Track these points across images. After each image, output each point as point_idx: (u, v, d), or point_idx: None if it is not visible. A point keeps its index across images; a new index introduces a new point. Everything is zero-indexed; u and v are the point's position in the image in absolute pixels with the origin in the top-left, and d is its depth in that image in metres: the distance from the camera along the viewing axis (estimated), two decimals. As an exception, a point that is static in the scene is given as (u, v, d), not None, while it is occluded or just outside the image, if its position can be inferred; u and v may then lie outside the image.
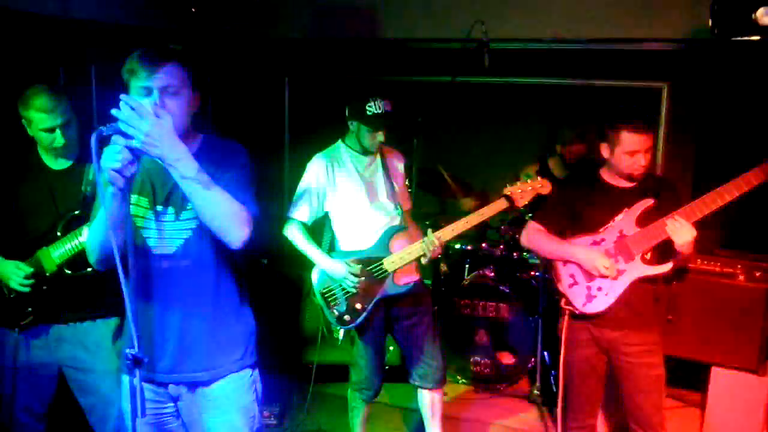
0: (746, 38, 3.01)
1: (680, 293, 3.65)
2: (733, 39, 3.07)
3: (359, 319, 3.22)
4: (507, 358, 4.32)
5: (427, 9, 4.57)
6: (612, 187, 2.91)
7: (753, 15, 2.91)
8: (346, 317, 3.22)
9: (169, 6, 4.29)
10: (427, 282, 4.41)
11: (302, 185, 3.24)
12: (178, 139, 1.87)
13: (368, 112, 3.12)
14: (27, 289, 2.68)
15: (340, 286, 3.20)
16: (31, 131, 2.68)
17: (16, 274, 2.67)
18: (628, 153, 2.77)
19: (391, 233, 3.24)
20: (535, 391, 4.19)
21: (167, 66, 2.00)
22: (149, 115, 1.79)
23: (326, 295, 3.25)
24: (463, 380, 4.42)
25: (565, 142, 4.55)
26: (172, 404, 2.28)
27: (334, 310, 3.24)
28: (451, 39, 4.04)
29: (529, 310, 4.24)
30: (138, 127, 1.78)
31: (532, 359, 4.22)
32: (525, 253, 4.49)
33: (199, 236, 2.09)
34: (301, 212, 3.21)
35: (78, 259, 2.68)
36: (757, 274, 3.57)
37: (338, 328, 3.44)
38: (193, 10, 4.11)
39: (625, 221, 2.86)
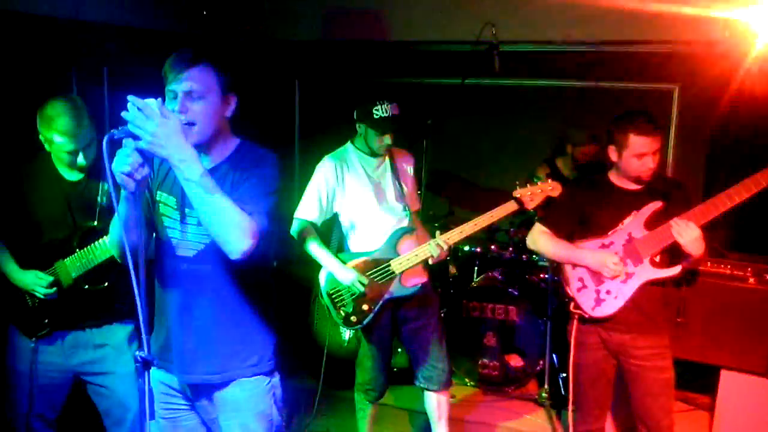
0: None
1: (690, 296, 3.62)
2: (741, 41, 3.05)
3: (366, 320, 3.23)
4: (515, 361, 4.31)
5: (437, 11, 4.58)
6: (620, 190, 2.90)
7: None
8: (353, 318, 3.23)
9: (180, 9, 4.32)
10: (435, 284, 4.42)
11: (311, 187, 3.25)
12: (185, 141, 1.85)
13: (375, 115, 3.13)
14: (54, 296, 2.68)
15: (348, 287, 3.21)
16: (49, 148, 2.63)
17: (39, 283, 2.67)
18: (636, 156, 2.76)
19: (399, 235, 3.25)
20: (543, 394, 4.18)
21: (194, 70, 1.99)
22: (155, 116, 1.79)
23: (333, 296, 3.26)
24: (471, 382, 4.42)
25: (576, 143, 4.54)
26: (189, 403, 2.29)
27: (341, 311, 3.25)
28: (461, 41, 4.05)
29: (537, 313, 4.23)
30: (144, 128, 1.77)
31: (541, 362, 4.21)
32: (534, 256, 4.48)
33: (217, 244, 2.04)
34: (310, 213, 3.23)
35: (94, 272, 2.68)
36: (767, 277, 3.55)
37: (345, 329, 3.45)
38: (204, 13, 4.13)
39: (633, 224, 2.85)
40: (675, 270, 2.82)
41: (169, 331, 2.20)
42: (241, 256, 1.93)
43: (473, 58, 3.65)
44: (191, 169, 1.86)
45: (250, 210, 1.97)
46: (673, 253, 2.83)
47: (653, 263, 2.84)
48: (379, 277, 3.21)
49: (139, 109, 1.78)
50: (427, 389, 3.40)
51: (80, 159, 2.62)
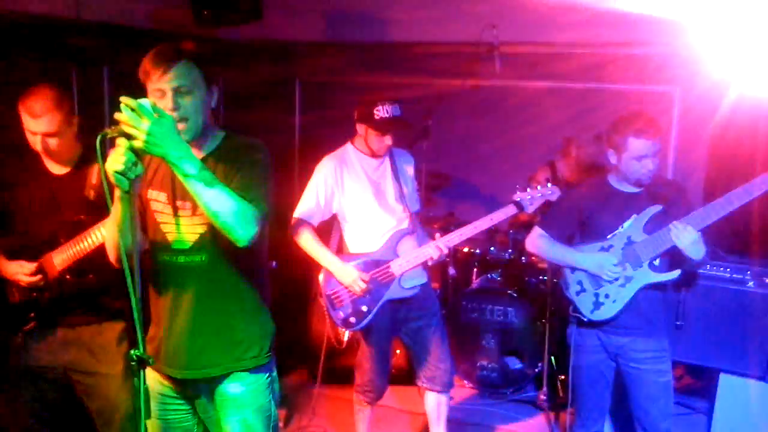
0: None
1: (689, 299, 3.62)
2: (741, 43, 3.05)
3: (365, 322, 3.22)
4: (514, 363, 4.31)
5: (438, 12, 4.58)
6: (620, 193, 2.90)
7: None
8: (352, 319, 3.23)
9: (181, 8, 4.32)
10: (434, 286, 4.42)
11: (311, 187, 3.25)
12: (179, 138, 1.88)
13: (376, 116, 3.12)
14: (39, 283, 2.69)
15: (347, 288, 3.21)
16: (30, 138, 2.65)
17: (22, 271, 2.68)
18: (636, 158, 2.75)
19: (399, 236, 3.25)
20: (542, 396, 4.17)
21: (177, 66, 2.02)
22: (149, 115, 1.80)
23: (332, 297, 3.26)
24: (470, 384, 4.41)
25: (580, 146, 4.53)
26: (188, 401, 2.30)
27: (340, 312, 3.25)
28: (462, 42, 4.05)
29: (536, 315, 4.23)
30: (139, 128, 1.79)
31: (539, 364, 4.21)
32: (533, 258, 4.48)
33: (213, 232, 2.08)
34: (310, 214, 3.23)
35: (80, 265, 2.69)
36: (767, 280, 3.54)
37: (343, 330, 3.45)
38: (205, 12, 4.13)
39: (633, 227, 2.85)
40: (674, 274, 2.81)
41: (167, 328, 2.21)
42: (249, 243, 1.99)
43: (474, 59, 3.64)
44: (190, 164, 1.89)
45: (250, 198, 2.01)
46: (672, 257, 2.82)
47: (652, 267, 2.83)
48: (379, 278, 3.20)
49: (132, 109, 1.79)
50: (430, 389, 3.40)
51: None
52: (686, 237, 2.66)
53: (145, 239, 2.20)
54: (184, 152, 1.88)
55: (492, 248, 4.61)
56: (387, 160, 3.33)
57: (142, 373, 1.69)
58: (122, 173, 1.80)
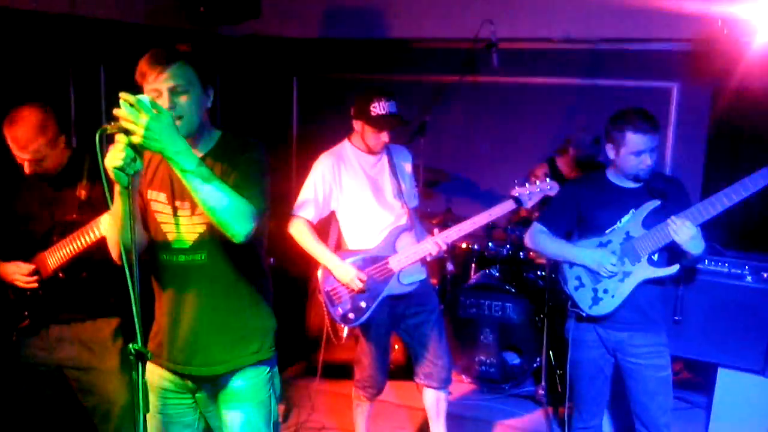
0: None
1: (687, 294, 3.62)
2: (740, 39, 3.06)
3: (363, 318, 3.22)
4: (512, 358, 4.32)
5: (436, 8, 4.58)
6: (618, 188, 2.90)
7: None
8: (351, 315, 3.23)
9: (177, 5, 4.31)
10: (433, 281, 4.42)
11: (308, 184, 3.24)
12: (177, 133, 1.89)
13: (373, 113, 3.12)
14: (34, 285, 2.71)
15: (346, 284, 3.21)
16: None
17: (19, 271, 2.71)
18: (634, 153, 2.76)
19: (397, 232, 3.25)
20: (540, 391, 4.18)
21: (173, 66, 2.05)
22: (148, 110, 1.81)
23: (331, 293, 3.26)
24: (468, 380, 4.42)
25: (578, 144, 4.53)
26: (190, 395, 2.32)
27: (339, 308, 3.25)
28: (460, 38, 4.05)
29: (535, 310, 4.23)
30: (137, 123, 1.80)
31: (538, 359, 4.21)
32: (531, 253, 4.48)
33: (212, 230, 2.10)
34: (307, 211, 3.22)
35: (72, 264, 2.70)
36: (765, 275, 3.53)
37: (342, 326, 3.45)
38: (201, 9, 4.12)
39: (631, 222, 2.85)
40: (673, 269, 2.82)
41: (170, 325, 2.23)
42: (245, 239, 2.00)
43: (471, 55, 3.64)
44: (187, 159, 1.91)
45: (247, 195, 2.03)
46: (671, 252, 2.83)
47: (651, 262, 2.84)
48: (377, 274, 3.20)
49: (131, 105, 1.80)
50: (428, 386, 3.40)
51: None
52: (685, 232, 2.66)
53: (147, 236, 2.22)
54: (181, 147, 1.89)
55: (490, 244, 4.60)
56: (384, 157, 3.32)
57: (140, 366, 1.68)
58: (121, 169, 1.81)
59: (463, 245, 4.69)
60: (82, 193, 2.73)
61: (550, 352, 4.16)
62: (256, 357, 2.27)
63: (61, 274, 2.73)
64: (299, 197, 3.25)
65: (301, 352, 4.45)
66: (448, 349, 3.42)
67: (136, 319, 1.71)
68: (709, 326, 3.61)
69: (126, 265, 1.76)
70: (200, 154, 2.14)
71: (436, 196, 4.99)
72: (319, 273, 3.30)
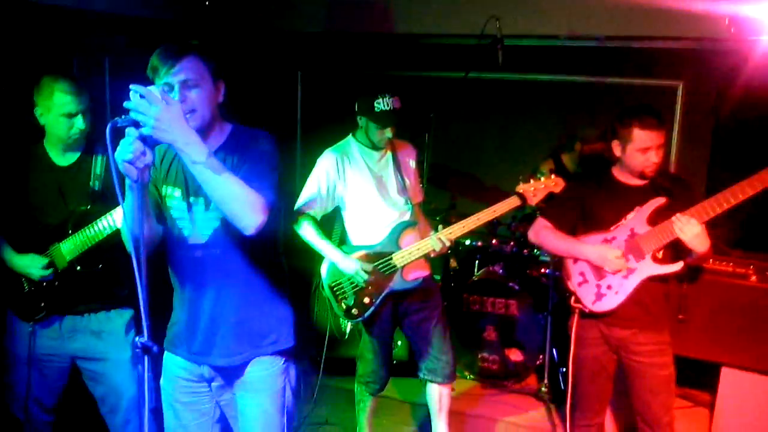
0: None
1: (691, 293, 3.62)
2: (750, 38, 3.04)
3: (367, 313, 3.22)
4: (515, 355, 4.31)
5: (441, 4, 4.55)
6: (624, 185, 2.90)
7: None
8: (354, 311, 3.23)
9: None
10: (437, 277, 4.41)
11: (312, 179, 3.24)
12: (187, 125, 1.90)
13: (376, 109, 3.11)
14: (50, 277, 2.72)
15: (349, 279, 3.21)
16: (45, 119, 2.66)
17: (34, 265, 2.71)
18: (640, 150, 2.75)
19: (401, 228, 3.25)
20: (543, 389, 4.18)
21: (185, 61, 2.06)
22: (158, 102, 1.82)
23: (335, 289, 3.26)
24: (471, 376, 4.42)
25: (587, 140, 4.52)
26: (206, 384, 2.35)
27: (343, 304, 3.25)
28: (465, 35, 4.03)
29: (538, 307, 4.23)
30: (148, 114, 1.81)
31: (541, 356, 4.22)
32: (535, 250, 4.48)
33: (227, 225, 2.12)
34: (311, 206, 3.22)
35: (88, 255, 2.71)
36: (769, 275, 3.54)
37: (346, 321, 3.45)
38: (207, 3, 4.11)
39: (636, 220, 2.84)
40: (677, 266, 2.81)
41: (189, 317, 2.27)
42: (255, 231, 2.01)
43: (477, 51, 3.63)
44: (197, 150, 1.91)
45: (257, 186, 2.04)
46: (675, 250, 2.82)
47: (655, 259, 2.83)
48: (381, 270, 3.20)
49: (141, 96, 1.81)
50: (431, 381, 3.40)
51: (79, 122, 2.66)
52: (690, 230, 2.66)
53: (162, 231, 2.25)
54: (192, 139, 1.90)
55: (494, 240, 4.60)
56: (389, 153, 3.32)
57: (146, 359, 1.69)
58: (131, 162, 1.81)
59: (467, 241, 4.69)
60: (96, 184, 2.74)
61: (553, 349, 4.16)
62: (272, 348, 2.31)
63: (77, 266, 2.74)
64: (303, 192, 3.25)
65: (304, 346, 4.44)
66: (452, 346, 3.42)
67: (143, 313, 1.71)
68: (712, 325, 3.61)
69: (134, 259, 1.77)
70: (212, 148, 2.14)
71: (441, 192, 4.98)
72: (323, 268, 3.30)
